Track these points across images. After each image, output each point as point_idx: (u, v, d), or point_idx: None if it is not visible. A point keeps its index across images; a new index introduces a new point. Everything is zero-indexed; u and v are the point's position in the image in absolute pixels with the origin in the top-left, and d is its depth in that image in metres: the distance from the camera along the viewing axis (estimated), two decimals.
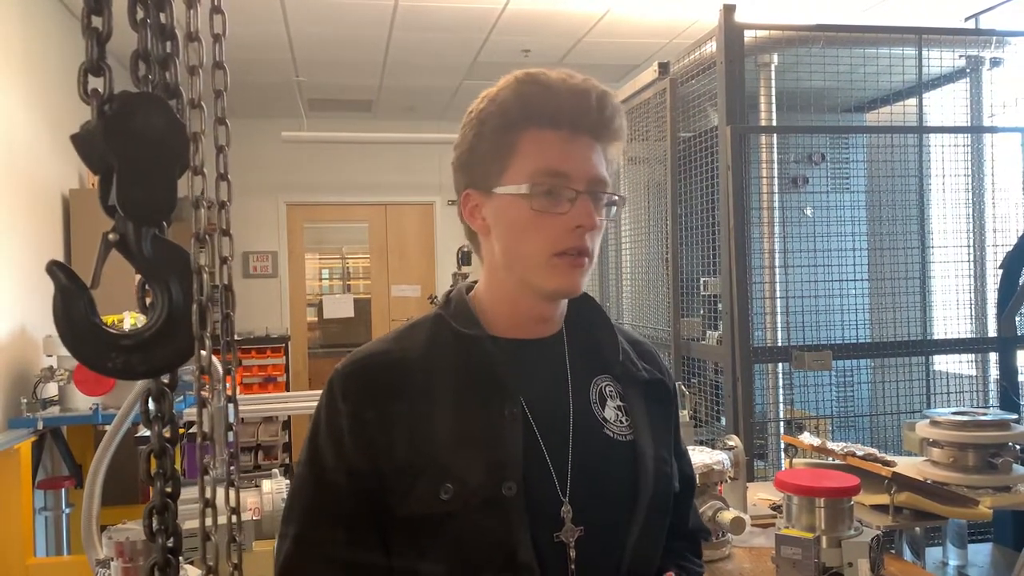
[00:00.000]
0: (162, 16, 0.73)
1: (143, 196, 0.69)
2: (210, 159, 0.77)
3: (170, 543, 0.75)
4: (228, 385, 0.80)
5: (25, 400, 3.70)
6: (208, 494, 0.75)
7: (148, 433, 0.75)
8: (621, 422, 1.12)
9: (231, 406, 0.80)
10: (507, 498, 1.00)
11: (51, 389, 3.89)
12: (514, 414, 1.04)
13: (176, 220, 0.74)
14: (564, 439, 1.08)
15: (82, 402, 3.78)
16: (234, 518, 0.77)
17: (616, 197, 1.09)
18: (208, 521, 0.77)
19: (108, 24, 0.69)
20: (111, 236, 0.70)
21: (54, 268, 0.69)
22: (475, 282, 1.19)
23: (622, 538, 1.07)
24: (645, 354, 1.22)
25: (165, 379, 0.76)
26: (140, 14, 0.73)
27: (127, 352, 0.71)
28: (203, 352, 0.71)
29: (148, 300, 0.75)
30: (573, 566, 1.03)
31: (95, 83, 0.70)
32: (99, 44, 0.69)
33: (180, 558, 0.77)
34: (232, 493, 0.81)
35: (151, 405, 0.74)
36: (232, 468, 0.82)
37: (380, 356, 1.09)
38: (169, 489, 0.75)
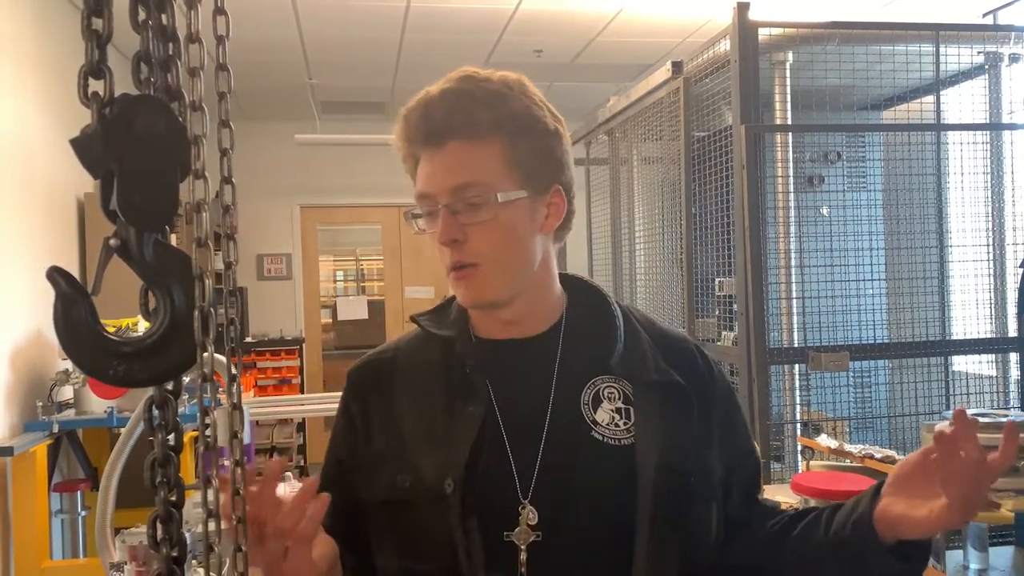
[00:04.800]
0: (163, 17, 0.71)
1: (144, 201, 0.68)
2: (215, 162, 0.76)
3: (174, 553, 0.74)
4: (233, 391, 0.78)
5: (41, 403, 3.72)
6: (213, 502, 0.74)
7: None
8: (617, 425, 1.06)
9: (237, 413, 0.79)
10: (447, 495, 1.00)
11: (66, 392, 3.90)
12: (472, 413, 1.05)
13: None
14: (536, 439, 1.05)
15: (97, 405, 3.79)
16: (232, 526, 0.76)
17: (499, 195, 1.04)
18: (212, 528, 0.75)
19: (108, 26, 0.68)
20: (112, 241, 0.68)
21: (54, 274, 0.67)
22: None
23: (623, 552, 1.01)
24: (678, 354, 1.14)
25: (169, 386, 0.75)
26: (142, 15, 0.72)
27: (129, 359, 0.69)
28: (205, 358, 0.69)
29: (151, 306, 0.74)
30: (523, 569, 1.00)
31: (95, 86, 0.69)
32: (99, 46, 0.67)
33: (185, 567, 0.76)
34: (238, 501, 0.80)
35: (154, 412, 0.73)
36: (239, 475, 0.81)
37: (376, 356, 1.19)
38: (173, 498, 0.74)
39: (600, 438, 1.05)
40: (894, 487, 0.98)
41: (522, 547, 1.01)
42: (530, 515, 1.02)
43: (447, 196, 1.04)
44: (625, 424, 1.07)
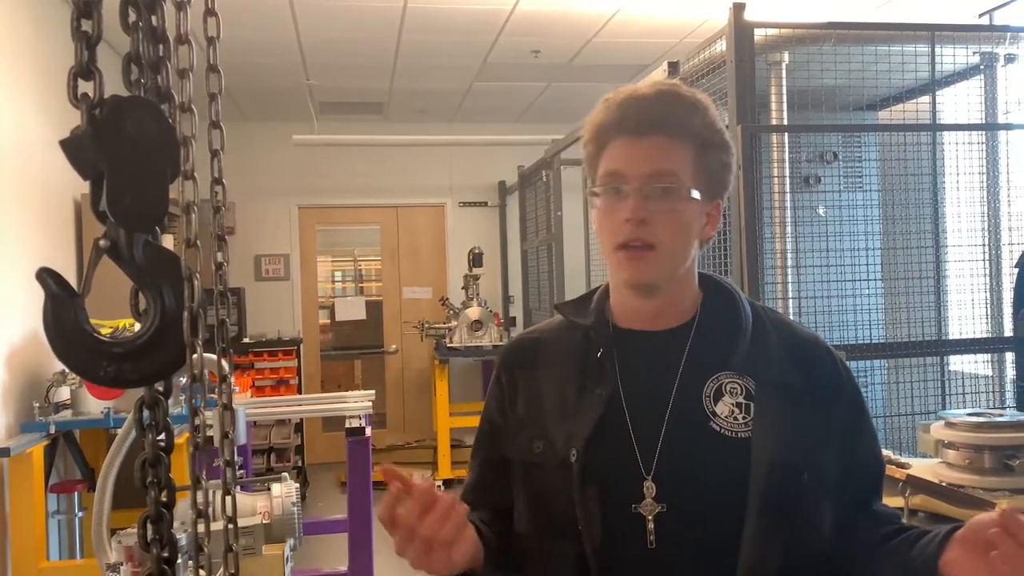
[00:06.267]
0: (153, 19, 0.71)
1: (134, 202, 0.68)
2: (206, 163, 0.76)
3: (165, 553, 0.74)
4: (224, 392, 0.78)
5: (37, 404, 3.71)
6: (203, 503, 0.74)
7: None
8: (736, 419, 1.14)
9: (228, 413, 0.79)
10: (571, 463, 1.13)
11: (63, 393, 3.89)
12: (599, 394, 1.17)
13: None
14: (657, 423, 1.15)
15: (94, 406, 3.79)
16: (227, 526, 0.76)
17: (688, 189, 1.15)
18: (204, 529, 0.76)
19: (98, 27, 0.68)
20: (102, 243, 0.69)
21: (44, 275, 0.68)
22: None
23: (731, 536, 1.09)
24: (803, 355, 1.21)
25: (160, 387, 0.75)
26: (132, 17, 0.72)
27: (119, 360, 0.70)
28: (195, 359, 0.69)
29: (142, 307, 0.74)
30: (652, 538, 1.10)
31: (85, 87, 0.69)
32: (89, 47, 0.68)
33: (178, 567, 0.76)
34: (229, 501, 0.80)
35: (145, 413, 0.73)
36: (230, 475, 0.81)
37: (525, 336, 1.35)
38: (164, 498, 0.74)
39: (718, 429, 1.14)
40: (963, 542, 1.02)
41: (649, 518, 1.11)
42: (650, 490, 1.12)
43: (641, 180, 1.14)
44: (744, 419, 1.14)
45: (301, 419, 6.58)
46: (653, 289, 1.19)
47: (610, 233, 1.16)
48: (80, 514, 4.04)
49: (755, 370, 1.17)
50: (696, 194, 1.16)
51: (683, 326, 1.22)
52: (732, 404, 1.15)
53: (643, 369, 1.20)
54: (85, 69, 0.68)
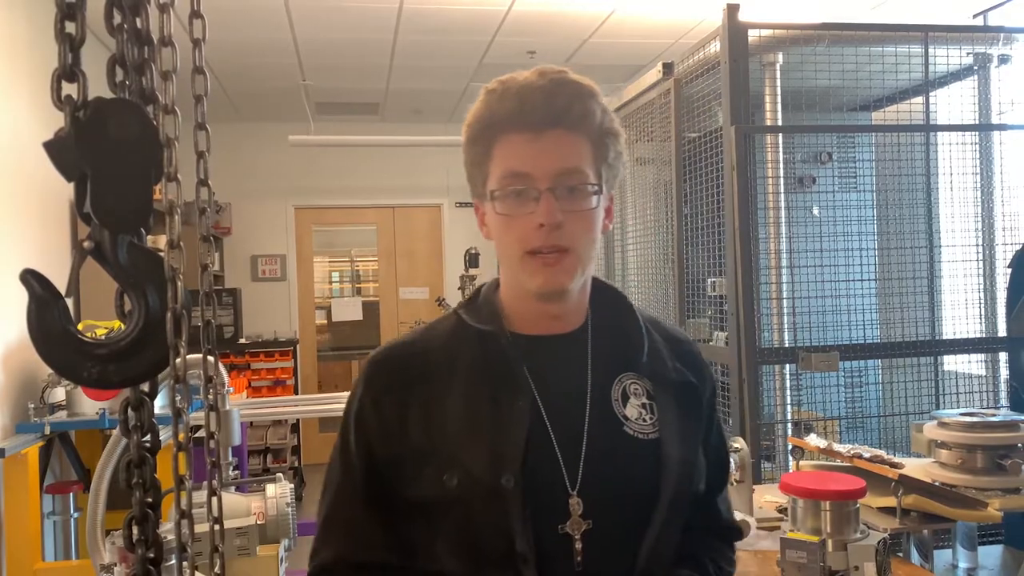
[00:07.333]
0: (138, 21, 0.72)
1: (118, 203, 0.68)
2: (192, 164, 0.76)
3: (150, 554, 0.74)
4: (211, 393, 0.78)
5: (33, 405, 3.71)
6: (186, 504, 0.74)
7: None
8: (644, 420, 1.11)
9: (213, 414, 0.79)
10: (506, 490, 1.02)
11: (59, 394, 3.90)
12: (521, 407, 1.06)
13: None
14: (578, 433, 1.08)
15: (89, 407, 3.79)
16: (211, 527, 0.76)
17: (595, 186, 1.07)
18: (192, 531, 0.76)
19: (82, 29, 0.68)
20: (86, 244, 0.69)
21: (28, 276, 0.68)
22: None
23: (637, 535, 1.07)
24: (684, 354, 1.21)
25: (145, 387, 0.75)
26: (117, 19, 0.72)
27: (103, 361, 0.70)
28: (180, 359, 0.70)
29: (127, 308, 0.74)
30: (579, 558, 1.04)
31: (69, 89, 0.69)
32: (72, 49, 0.68)
33: (161, 567, 0.76)
34: (215, 502, 0.80)
35: (129, 414, 0.73)
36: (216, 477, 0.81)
37: (404, 347, 1.15)
38: (149, 499, 0.74)
39: (631, 433, 1.10)
40: None
41: (576, 537, 1.04)
42: (577, 506, 1.05)
43: (550, 180, 1.05)
44: (651, 419, 1.12)
45: (297, 420, 6.58)
46: (565, 294, 1.11)
47: (517, 239, 1.06)
48: (75, 515, 4.04)
49: (652, 370, 1.15)
50: (601, 190, 1.09)
51: (580, 328, 1.16)
52: (638, 406, 1.12)
53: (554, 376, 1.11)
54: (68, 71, 0.68)
